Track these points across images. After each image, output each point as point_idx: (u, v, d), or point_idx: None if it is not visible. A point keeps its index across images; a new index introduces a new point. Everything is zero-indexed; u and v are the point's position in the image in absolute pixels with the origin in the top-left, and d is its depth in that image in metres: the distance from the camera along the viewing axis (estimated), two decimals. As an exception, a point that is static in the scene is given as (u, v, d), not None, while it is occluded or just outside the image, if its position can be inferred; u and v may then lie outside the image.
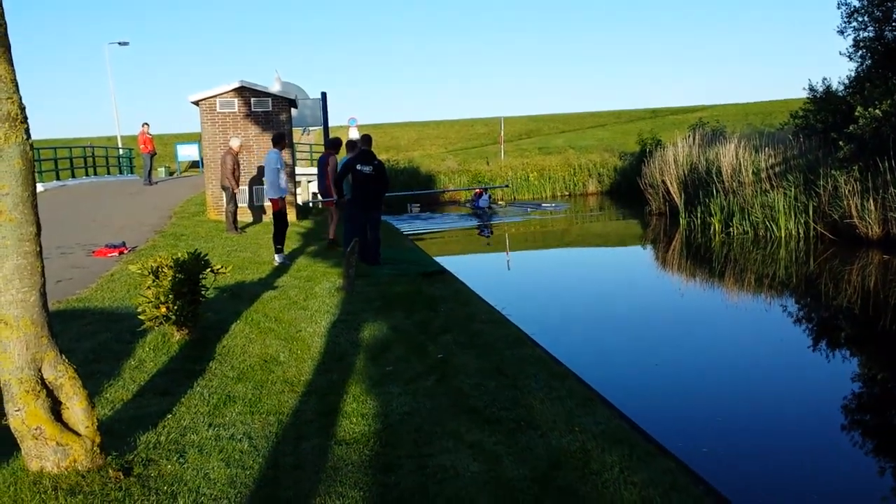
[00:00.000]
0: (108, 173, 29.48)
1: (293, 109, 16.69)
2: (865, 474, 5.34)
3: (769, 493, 4.92)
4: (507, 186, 31.06)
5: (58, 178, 24.29)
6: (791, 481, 5.16)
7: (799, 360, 8.12)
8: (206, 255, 6.97)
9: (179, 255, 6.63)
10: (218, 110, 15.65)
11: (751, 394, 6.90)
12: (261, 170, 15.50)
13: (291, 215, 15.83)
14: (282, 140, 11.85)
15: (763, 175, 17.40)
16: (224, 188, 14.36)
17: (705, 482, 4.48)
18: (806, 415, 6.41)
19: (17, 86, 3.71)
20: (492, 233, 21.58)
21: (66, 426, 3.93)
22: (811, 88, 18.00)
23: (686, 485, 4.13)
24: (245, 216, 15.69)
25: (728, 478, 4.96)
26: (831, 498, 4.89)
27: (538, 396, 5.41)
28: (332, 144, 12.86)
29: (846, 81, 17.25)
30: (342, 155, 12.51)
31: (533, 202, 29.80)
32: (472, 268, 14.84)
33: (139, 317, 6.46)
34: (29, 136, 3.78)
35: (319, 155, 23.92)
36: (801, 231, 15.85)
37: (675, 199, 20.09)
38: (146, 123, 22.96)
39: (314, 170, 25.56)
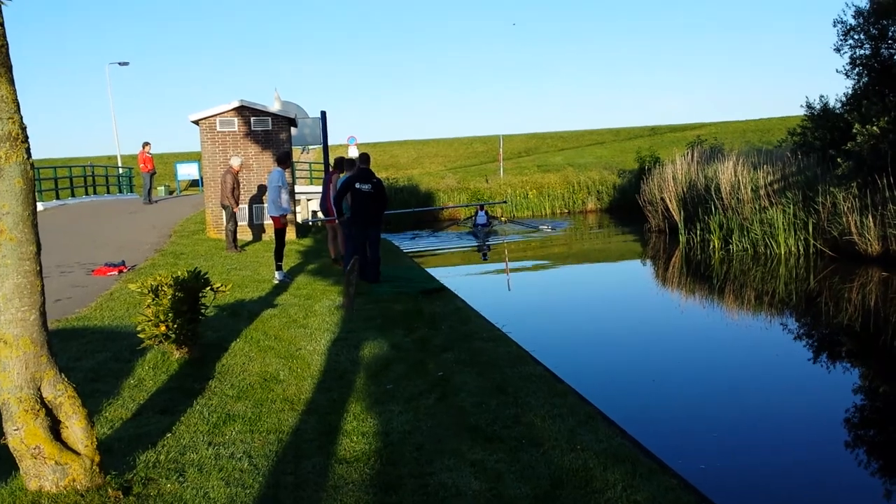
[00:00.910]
0: (108, 192, 29.54)
1: (293, 128, 16.76)
2: (867, 490, 5.31)
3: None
4: (505, 203, 31.06)
5: (58, 198, 24.32)
6: (794, 498, 5.13)
7: (799, 377, 8.10)
8: (206, 273, 6.97)
9: (179, 273, 6.63)
10: (218, 129, 15.72)
11: (752, 410, 6.87)
12: (261, 188, 15.54)
13: (291, 234, 15.85)
14: (287, 159, 11.94)
15: (762, 192, 17.44)
16: (224, 207, 14.39)
17: (709, 500, 4.45)
18: (808, 431, 6.38)
19: (18, 106, 3.73)
20: (488, 253, 21.55)
21: (66, 445, 3.91)
22: (809, 106, 18.09)
23: (689, 502, 4.10)
24: (245, 234, 15.71)
25: (731, 495, 4.93)
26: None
27: (539, 414, 5.39)
28: (337, 164, 12.86)
29: (843, 99, 17.34)
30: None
31: (532, 220, 29.76)
32: (472, 285, 14.82)
33: (139, 335, 6.45)
34: (29, 156, 3.79)
35: (320, 173, 23.89)
36: (800, 248, 15.86)
37: (675, 216, 20.12)
38: (147, 143, 23.04)
39: (314, 188, 25.68)
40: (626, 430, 5.46)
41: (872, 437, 6.44)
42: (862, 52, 16.80)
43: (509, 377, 6.36)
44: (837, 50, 17.17)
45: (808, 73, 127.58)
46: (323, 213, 13.40)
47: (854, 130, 14.54)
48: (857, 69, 16.97)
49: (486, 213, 26.29)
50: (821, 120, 17.50)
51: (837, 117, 16.86)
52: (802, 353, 9.28)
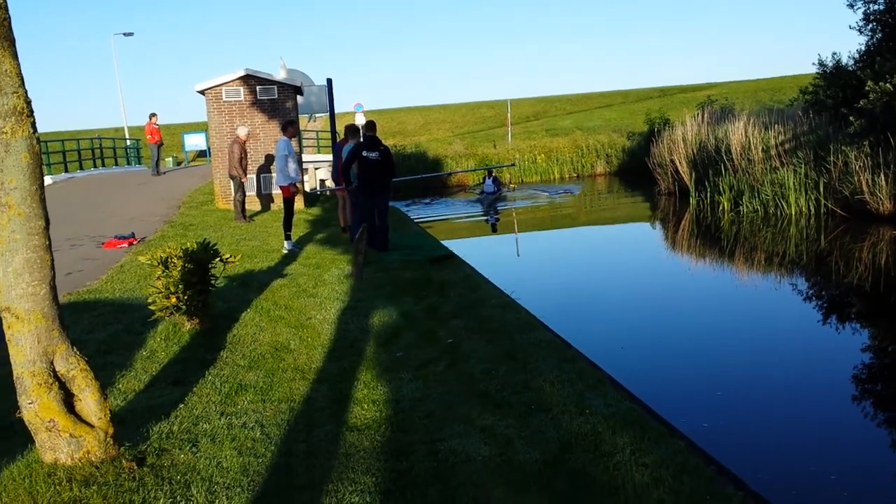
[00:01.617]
0: (116, 164, 29.52)
1: (299, 96, 16.66)
2: (880, 449, 5.33)
3: (783, 472, 4.93)
4: (513, 165, 30.82)
5: (66, 171, 24.35)
6: (805, 459, 5.16)
7: (810, 337, 8.10)
8: (215, 244, 6.98)
9: (188, 245, 6.65)
10: (224, 99, 15.63)
11: (762, 372, 6.89)
12: (268, 158, 15.49)
13: (299, 203, 15.84)
14: (291, 127, 11.85)
15: (773, 152, 17.26)
16: (232, 177, 14.38)
17: (717, 462, 4.48)
18: (819, 393, 6.40)
19: (22, 80, 3.71)
20: (497, 220, 21.47)
21: (79, 418, 3.96)
22: (821, 63, 17.78)
23: (698, 465, 4.13)
24: (253, 205, 15.71)
25: (740, 457, 4.96)
26: (847, 475, 4.89)
27: (549, 380, 5.41)
28: (350, 131, 12.57)
29: (856, 56, 17.01)
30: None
31: (542, 185, 29.53)
32: (481, 252, 14.82)
33: (150, 307, 6.49)
34: (35, 130, 3.78)
35: (328, 141, 23.79)
36: (811, 208, 15.73)
37: (685, 178, 19.98)
38: (154, 114, 22.97)
39: (321, 157, 25.59)
40: (635, 393, 5.49)
41: (884, 395, 6.45)
42: (876, 6, 16.44)
43: (518, 344, 6.38)
44: (851, 5, 16.83)
45: (821, 29, 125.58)
46: (335, 182, 13.35)
47: (867, 88, 14.30)
48: (870, 25, 16.63)
49: (496, 178, 25.93)
50: (833, 78, 17.22)
51: (850, 75, 16.57)
52: (812, 314, 9.26)
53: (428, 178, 28.68)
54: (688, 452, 4.31)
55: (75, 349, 4.00)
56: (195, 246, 6.64)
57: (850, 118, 15.05)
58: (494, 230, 20.19)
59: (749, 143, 17.90)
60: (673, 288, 10.85)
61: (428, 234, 14.70)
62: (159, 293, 6.41)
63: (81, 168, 25.96)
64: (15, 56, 3.68)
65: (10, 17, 3.65)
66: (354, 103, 33.31)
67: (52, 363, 3.89)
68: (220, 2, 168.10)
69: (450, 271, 9.84)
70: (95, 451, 3.96)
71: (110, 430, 4.03)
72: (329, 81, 18.01)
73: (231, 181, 14.72)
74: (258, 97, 15.74)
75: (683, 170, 20.26)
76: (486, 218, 21.90)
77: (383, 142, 11.37)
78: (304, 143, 29.15)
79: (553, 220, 21.17)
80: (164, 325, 6.67)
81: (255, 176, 15.84)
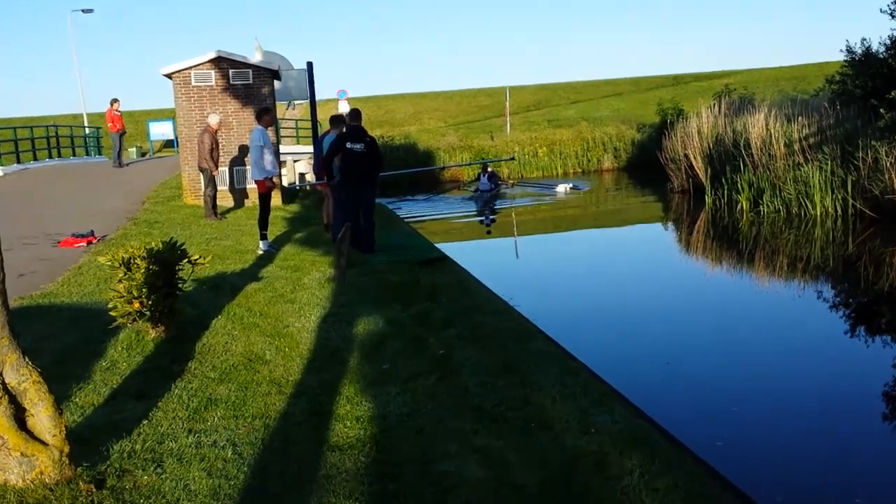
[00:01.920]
0: (74, 155, 29.43)
1: (276, 82, 16.64)
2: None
3: (803, 497, 4.94)
4: (512, 159, 30.78)
5: (18, 161, 24.25)
6: (830, 482, 5.17)
7: (837, 350, 8.12)
8: (183, 243, 6.97)
9: (153, 244, 6.63)
10: (193, 84, 15.60)
11: (783, 387, 6.90)
12: (242, 149, 15.47)
13: (276, 199, 15.80)
14: (267, 115, 11.80)
15: (796, 147, 17.32)
16: (202, 170, 14.35)
17: (734, 486, 4.49)
18: (847, 411, 6.41)
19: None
20: (493, 219, 21.46)
21: (32, 435, 3.94)
22: (849, 50, 17.88)
23: (713, 490, 4.14)
24: (225, 200, 15.69)
25: (759, 479, 4.97)
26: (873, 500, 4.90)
27: (550, 394, 5.42)
28: (335, 121, 12.55)
29: (888, 42, 17.10)
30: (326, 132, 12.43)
31: (544, 181, 29.48)
32: (475, 254, 14.84)
33: (110, 313, 6.46)
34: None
35: (308, 131, 23.74)
36: (838, 209, 15.79)
37: (700, 174, 20.05)
38: (115, 100, 22.93)
39: (301, 148, 25.56)
40: (645, 410, 5.50)
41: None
42: (910, -12, 16.54)
43: (517, 354, 6.39)
44: (882, -13, 16.95)
45: (849, 13, 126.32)
46: (316, 176, 13.31)
47: (899, 77, 14.40)
48: (903, 8, 16.73)
49: (493, 174, 25.79)
50: (862, 66, 17.31)
51: (881, 63, 16.67)
52: (839, 325, 9.29)
53: (418, 173, 28.65)
54: (703, 476, 4.32)
55: (27, 359, 3.98)
56: (161, 245, 6.62)
57: (881, 110, 15.13)
58: (490, 230, 20.21)
59: (770, 136, 17.97)
60: (686, 295, 10.88)
61: (418, 234, 14.71)
62: (121, 298, 6.38)
63: (36, 159, 25.86)
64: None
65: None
66: (338, 90, 33.34)
67: (1, 375, 3.86)
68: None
69: (441, 275, 9.83)
70: (50, 471, 3.93)
71: (66, 449, 4.00)
72: (309, 65, 17.95)
73: (201, 174, 14.68)
74: (231, 82, 15.72)
75: (698, 165, 20.33)
76: (481, 217, 21.91)
77: (369, 132, 11.37)
78: (282, 132, 29.17)
79: (555, 220, 21.20)
80: (127, 333, 6.64)
81: (227, 169, 15.82)
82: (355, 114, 11.32)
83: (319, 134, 14.45)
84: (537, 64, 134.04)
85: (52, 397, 4.01)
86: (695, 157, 20.56)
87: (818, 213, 15.87)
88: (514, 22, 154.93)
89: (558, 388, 5.55)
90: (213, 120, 14.25)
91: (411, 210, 22.77)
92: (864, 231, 14.31)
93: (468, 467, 4.35)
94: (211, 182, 14.08)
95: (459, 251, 13.57)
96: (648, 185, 25.62)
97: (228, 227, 13.24)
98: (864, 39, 18.40)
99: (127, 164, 24.88)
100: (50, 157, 27.15)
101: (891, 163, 14.52)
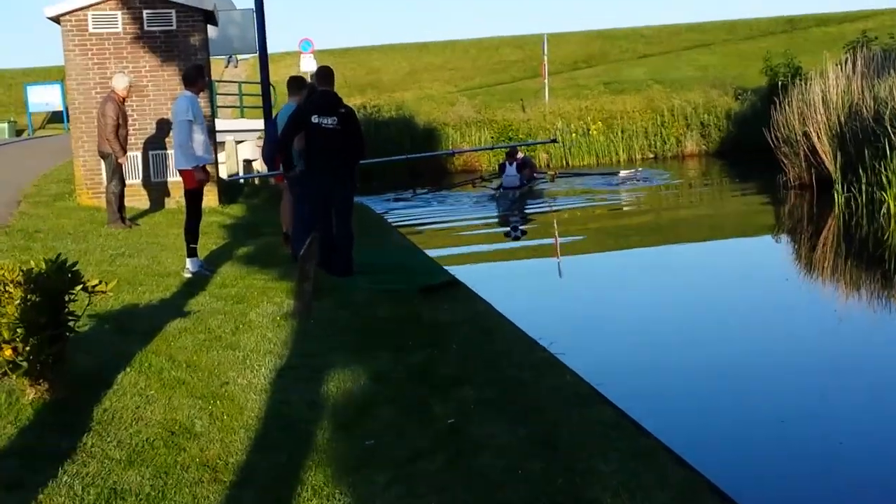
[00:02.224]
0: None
1: (211, 27, 16.73)
2: None
3: None
4: (554, 142, 30.68)
5: None
6: None
7: None
8: (76, 263, 6.92)
9: (33, 264, 6.60)
10: (91, 31, 15.69)
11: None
12: (162, 125, 15.50)
13: (211, 198, 15.83)
14: (198, 77, 11.75)
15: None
16: (103, 155, 14.35)
17: None
18: None
19: None
20: (524, 230, 21.45)
21: None
22: None
23: None
24: (138, 200, 15.72)
25: None
26: None
27: (610, 486, 5.35)
28: (294, 85, 12.59)
29: None
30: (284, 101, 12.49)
31: (599, 171, 29.46)
32: (499, 278, 14.80)
33: (-31, 363, 6.45)
34: None
35: (257, 99, 23.89)
36: None
37: (826, 162, 20.05)
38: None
39: (246, 123, 25.69)
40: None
41: None
42: None
43: (561, 426, 6.35)
44: None
45: None
46: (267, 164, 13.35)
47: None
48: None
49: (525, 161, 25.69)
50: None
51: None
52: None
53: (416, 160, 28.68)
54: None
55: None
56: (44, 266, 6.59)
57: None
58: (518, 238, 20.21)
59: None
60: (805, 341, 10.79)
61: (416, 249, 14.71)
62: (-15, 341, 6.36)
63: None
64: None
65: None
66: (301, 39, 33.57)
67: None
68: None
69: (451, 307, 9.84)
70: None
71: None
72: (259, 3, 18.10)
73: (102, 162, 14.70)
74: (146, 27, 15.83)
75: (824, 149, 20.33)
76: (506, 226, 21.91)
77: (345, 101, 11.38)
78: (220, 101, 29.28)
79: (615, 230, 21.19)
80: (-6, 393, 6.63)
81: (140, 154, 15.85)
82: (325, 74, 11.32)
83: (273, 104, 14.54)
84: (588, 3, 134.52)
85: None
86: (819, 138, 20.54)
87: None
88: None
89: (623, 476, 5.49)
90: (121, 83, 14.21)
91: (407, 214, 22.81)
92: None
93: None
94: (117, 173, 14.08)
95: (476, 274, 13.55)
96: (751, 176, 25.68)
97: (142, 239, 13.26)
98: None
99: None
100: None
101: None
